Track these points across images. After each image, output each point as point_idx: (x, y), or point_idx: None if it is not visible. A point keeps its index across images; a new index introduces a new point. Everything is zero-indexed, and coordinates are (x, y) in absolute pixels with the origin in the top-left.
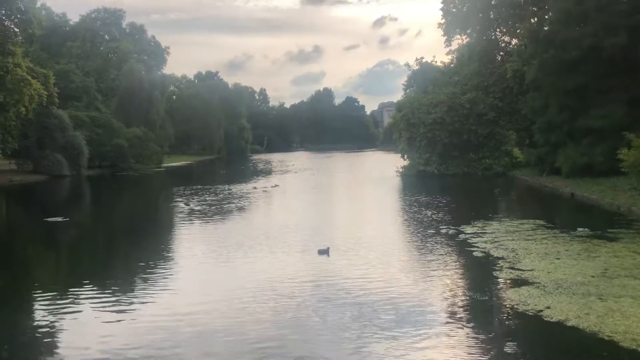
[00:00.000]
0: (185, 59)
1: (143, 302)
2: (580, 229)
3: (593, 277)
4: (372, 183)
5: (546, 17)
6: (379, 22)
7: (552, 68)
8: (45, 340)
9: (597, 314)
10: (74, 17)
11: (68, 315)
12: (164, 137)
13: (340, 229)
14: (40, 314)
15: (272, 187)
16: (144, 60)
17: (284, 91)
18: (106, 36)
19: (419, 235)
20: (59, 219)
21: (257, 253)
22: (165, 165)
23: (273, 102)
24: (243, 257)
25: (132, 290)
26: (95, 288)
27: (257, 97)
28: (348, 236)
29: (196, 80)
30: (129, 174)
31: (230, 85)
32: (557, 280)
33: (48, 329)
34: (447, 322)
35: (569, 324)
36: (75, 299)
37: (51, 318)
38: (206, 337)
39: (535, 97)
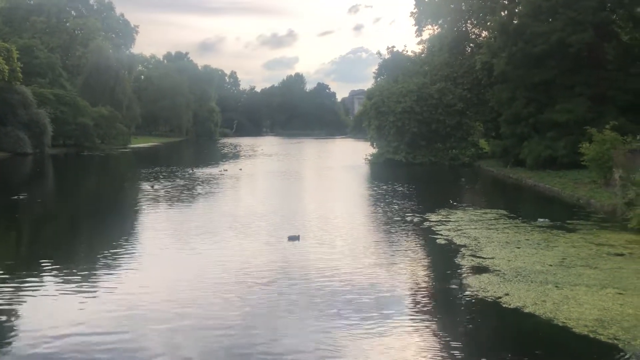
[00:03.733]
0: (155, 39)
1: (105, 287)
2: (541, 220)
3: (551, 266)
4: (340, 170)
5: (516, 10)
6: (354, 9)
7: (520, 61)
8: (5, 321)
9: (553, 301)
10: None
11: (26, 297)
12: (131, 118)
13: (308, 216)
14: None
15: (239, 170)
16: (112, 39)
17: (255, 75)
18: (72, 12)
19: (385, 222)
20: (19, 196)
21: (226, 238)
22: (131, 146)
23: (244, 86)
24: (211, 243)
25: (94, 275)
26: (54, 271)
27: (227, 80)
28: (317, 223)
29: (165, 61)
30: (94, 154)
31: (200, 67)
32: (516, 268)
33: (7, 310)
34: (409, 308)
35: (526, 310)
36: (34, 281)
37: (9, 299)
38: (169, 326)
39: (502, 90)
